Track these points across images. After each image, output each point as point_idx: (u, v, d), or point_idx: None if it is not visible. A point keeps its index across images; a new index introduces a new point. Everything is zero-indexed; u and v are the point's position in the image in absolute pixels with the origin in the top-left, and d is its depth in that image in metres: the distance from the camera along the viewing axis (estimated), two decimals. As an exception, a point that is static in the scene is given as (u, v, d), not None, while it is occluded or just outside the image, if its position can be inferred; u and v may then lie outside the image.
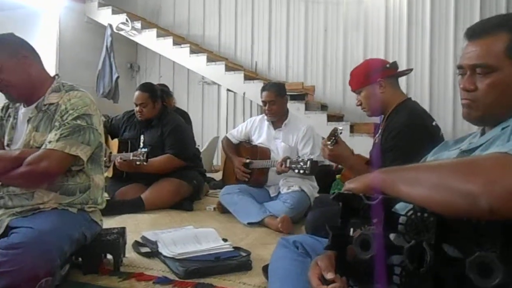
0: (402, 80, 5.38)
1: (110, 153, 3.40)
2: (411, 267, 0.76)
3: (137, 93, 3.31)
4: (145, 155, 2.90)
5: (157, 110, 3.33)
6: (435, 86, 5.42)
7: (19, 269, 1.35)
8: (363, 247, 0.83)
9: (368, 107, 1.94)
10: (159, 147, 3.21)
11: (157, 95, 3.35)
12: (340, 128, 1.90)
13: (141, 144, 3.30)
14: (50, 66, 5.35)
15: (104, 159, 3.20)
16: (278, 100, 3.00)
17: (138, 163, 2.93)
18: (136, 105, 3.29)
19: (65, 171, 1.64)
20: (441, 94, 5.41)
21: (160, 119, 3.32)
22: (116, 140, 3.44)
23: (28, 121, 1.69)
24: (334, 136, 1.85)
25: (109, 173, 3.32)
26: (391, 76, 1.92)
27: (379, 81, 1.88)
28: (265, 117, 3.11)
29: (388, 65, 1.93)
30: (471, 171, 0.71)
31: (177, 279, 1.72)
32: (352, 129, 4.98)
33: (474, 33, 0.98)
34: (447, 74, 5.38)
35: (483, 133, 1.01)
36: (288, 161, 2.61)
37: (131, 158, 2.97)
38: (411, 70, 2.03)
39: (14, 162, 1.58)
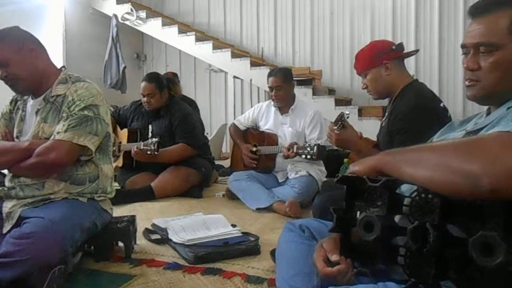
0: (410, 62, 5.28)
1: (120, 143, 3.44)
2: (415, 247, 0.77)
3: (143, 84, 3.32)
4: (155, 144, 2.93)
5: (164, 99, 3.35)
6: (444, 68, 5.34)
7: (32, 258, 1.39)
8: (367, 229, 0.83)
9: (374, 90, 1.92)
10: (167, 137, 3.23)
11: (163, 84, 3.36)
12: (347, 112, 1.88)
13: (150, 134, 3.33)
14: (57, 58, 5.36)
15: (114, 148, 3.25)
16: (284, 85, 2.99)
17: (148, 152, 2.95)
18: (144, 96, 3.30)
19: (74, 161, 1.67)
20: (450, 76, 5.33)
21: (168, 109, 3.33)
22: (125, 130, 3.46)
23: (37, 113, 1.71)
24: (341, 120, 1.84)
25: (119, 163, 3.35)
26: (397, 58, 1.89)
27: (385, 63, 1.86)
28: (272, 103, 3.10)
29: (394, 47, 1.90)
30: (472, 151, 0.71)
31: (187, 264, 1.75)
32: (360, 112, 4.94)
33: (477, 10, 0.96)
34: (457, 55, 5.28)
35: (488, 113, 1.00)
36: (295, 146, 2.61)
37: (142, 147, 2.99)
38: (417, 51, 2.00)
39: (24, 153, 1.61)
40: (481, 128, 0.94)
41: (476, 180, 0.67)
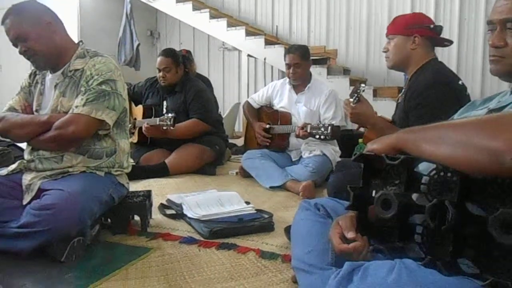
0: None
1: (135, 119, 3.46)
2: (433, 225, 0.77)
3: (159, 58, 3.33)
4: (172, 119, 2.94)
5: (180, 75, 3.36)
6: (464, 46, 5.21)
7: (51, 228, 1.43)
8: (385, 207, 0.83)
9: (392, 57, 1.89)
10: (182, 113, 3.25)
11: (179, 60, 3.37)
12: (363, 85, 1.86)
13: (164, 110, 3.35)
14: (72, 35, 5.34)
15: (130, 125, 3.28)
16: (303, 63, 2.95)
17: (165, 128, 2.97)
18: (159, 71, 3.31)
19: (92, 136, 1.69)
20: (469, 54, 5.20)
21: (183, 85, 3.34)
22: (140, 106, 3.49)
23: (55, 87, 1.73)
24: (356, 93, 1.82)
25: (133, 139, 3.39)
26: (428, 37, 1.85)
27: (414, 36, 1.82)
28: (287, 80, 3.08)
29: (432, 26, 1.85)
30: (495, 128, 0.70)
31: (202, 239, 1.78)
32: (376, 93, 4.88)
33: None
34: (477, 34, 5.14)
35: (512, 91, 0.98)
36: (309, 126, 2.58)
37: (158, 123, 3.01)
38: (451, 42, 1.94)
39: (43, 126, 1.64)
40: (505, 106, 0.92)
41: (500, 157, 0.66)
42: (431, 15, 5.28)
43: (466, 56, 5.21)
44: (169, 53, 3.37)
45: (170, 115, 2.98)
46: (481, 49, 5.10)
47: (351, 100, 1.80)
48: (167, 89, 3.37)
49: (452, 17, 5.23)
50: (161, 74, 3.31)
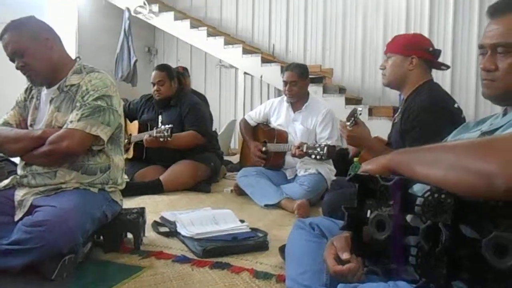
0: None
1: (130, 135, 3.46)
2: (427, 247, 0.77)
3: (154, 72, 3.40)
4: (169, 130, 2.95)
5: (174, 89, 3.41)
6: (458, 69, 5.29)
7: (43, 246, 1.41)
8: (379, 228, 0.83)
9: (388, 75, 1.90)
10: (177, 126, 3.25)
11: (173, 74, 3.45)
12: (360, 108, 1.87)
13: (160, 124, 3.35)
14: (70, 50, 5.33)
15: (125, 141, 3.28)
16: (299, 81, 2.97)
17: (161, 139, 2.97)
18: (154, 85, 3.36)
19: (86, 151, 1.69)
20: (463, 77, 5.28)
21: (178, 99, 3.38)
22: (136, 122, 3.49)
23: (51, 101, 1.73)
24: (353, 117, 1.83)
25: (128, 155, 3.38)
26: (426, 59, 1.87)
27: (412, 57, 1.84)
28: (284, 98, 3.10)
29: (431, 49, 1.88)
30: (487, 151, 0.70)
31: (195, 258, 1.76)
32: (371, 112, 4.92)
33: (496, 10, 0.95)
34: (470, 57, 5.23)
35: (505, 113, 0.99)
36: (305, 146, 2.58)
37: (154, 134, 3.01)
38: (448, 67, 1.97)
39: (37, 141, 1.63)
40: (497, 129, 0.93)
41: (492, 180, 0.66)
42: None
43: (460, 78, 5.29)
44: (163, 67, 3.45)
45: (167, 126, 2.98)
46: (474, 71, 5.18)
47: (348, 123, 1.81)
48: (162, 103, 3.39)
49: (446, 39, 5.32)
50: (155, 87, 3.36)
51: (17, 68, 1.68)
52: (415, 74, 1.85)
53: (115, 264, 1.69)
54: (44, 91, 1.78)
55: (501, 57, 0.93)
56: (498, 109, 1.04)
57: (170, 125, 2.98)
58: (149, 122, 3.44)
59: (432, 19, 5.41)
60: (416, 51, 1.84)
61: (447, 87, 5.08)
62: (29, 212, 1.57)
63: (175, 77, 3.44)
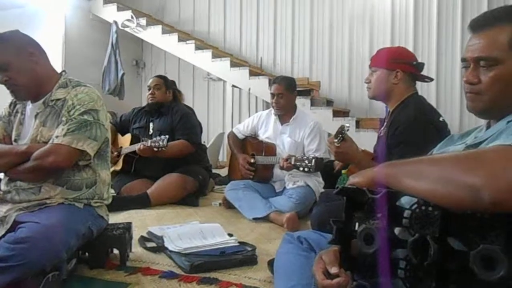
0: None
1: (121, 147, 3.44)
2: (415, 260, 0.76)
3: (152, 79, 3.53)
4: (165, 140, 2.95)
5: (168, 98, 3.49)
6: (442, 81, 5.38)
7: (26, 263, 1.37)
8: (367, 241, 0.83)
9: (374, 88, 1.93)
10: (168, 134, 3.24)
11: (170, 84, 3.56)
12: (347, 125, 1.88)
13: (151, 131, 3.35)
14: (57, 63, 5.38)
15: (114, 154, 3.25)
16: (286, 94, 2.99)
17: (156, 149, 2.96)
18: (150, 89, 3.44)
19: (72, 166, 1.66)
20: (448, 89, 5.37)
21: (169, 108, 3.42)
22: (128, 135, 3.48)
23: (36, 116, 1.70)
24: (341, 133, 1.83)
25: (117, 166, 3.35)
26: (411, 73, 1.90)
27: (397, 71, 1.86)
28: (272, 111, 3.11)
29: (415, 63, 1.91)
30: (474, 164, 0.71)
31: (183, 273, 1.73)
32: (358, 124, 4.96)
33: (478, 25, 0.97)
34: (454, 69, 5.33)
35: (488, 126, 1.00)
36: (293, 158, 2.58)
37: (149, 144, 2.99)
38: (431, 80, 2.00)
39: (21, 156, 1.60)
40: (481, 142, 0.94)
41: (478, 193, 0.67)
42: (410, 48, 5.46)
43: (444, 90, 5.38)
44: (161, 76, 3.61)
45: (163, 136, 2.99)
46: (458, 83, 5.28)
47: (335, 140, 1.81)
48: (154, 107, 3.42)
49: (430, 51, 5.42)
50: (150, 91, 3.43)
51: (0, 82, 1.66)
52: (400, 87, 1.88)
53: (101, 281, 1.66)
54: (29, 105, 1.76)
55: (483, 71, 0.95)
56: (483, 121, 1.06)
57: (166, 136, 2.99)
58: (140, 130, 3.44)
59: (417, 31, 5.52)
60: (400, 65, 1.87)
61: (432, 99, 5.16)
62: (12, 228, 1.52)
63: (171, 87, 3.55)
